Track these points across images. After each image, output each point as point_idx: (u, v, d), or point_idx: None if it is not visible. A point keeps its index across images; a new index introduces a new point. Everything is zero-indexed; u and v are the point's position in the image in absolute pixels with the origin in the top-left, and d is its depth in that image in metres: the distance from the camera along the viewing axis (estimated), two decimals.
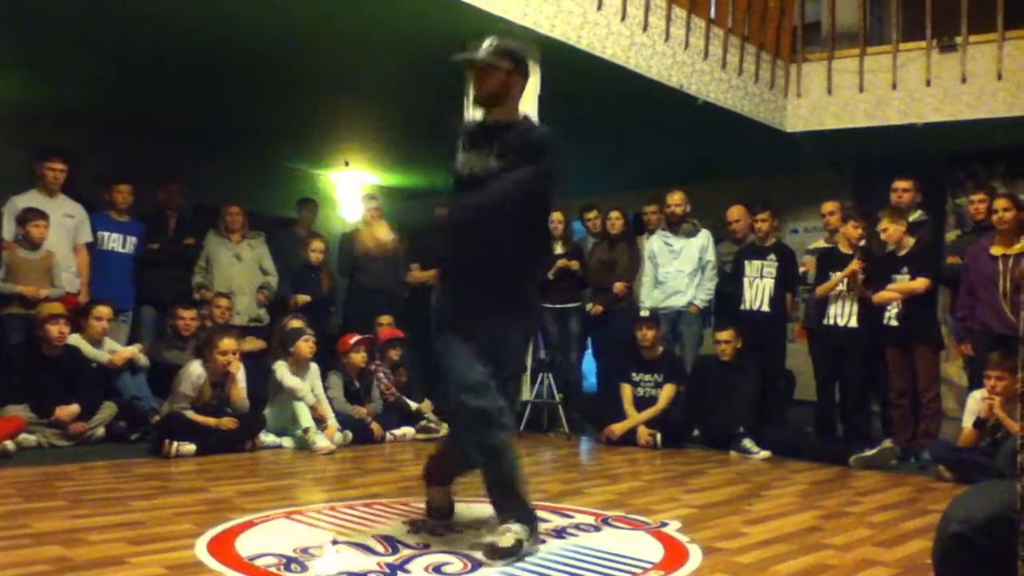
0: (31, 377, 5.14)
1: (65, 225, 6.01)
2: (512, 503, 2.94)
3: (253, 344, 6.22)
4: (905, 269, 5.65)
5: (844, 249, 5.97)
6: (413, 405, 6.20)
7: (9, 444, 4.61)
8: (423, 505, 3.49)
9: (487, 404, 2.86)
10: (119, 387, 5.68)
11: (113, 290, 6.24)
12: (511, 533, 2.84)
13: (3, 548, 2.74)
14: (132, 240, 6.52)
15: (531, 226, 3.10)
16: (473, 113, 3.29)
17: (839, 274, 5.85)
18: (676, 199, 6.84)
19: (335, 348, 6.17)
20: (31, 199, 5.89)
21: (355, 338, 6.06)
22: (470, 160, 3.11)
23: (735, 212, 6.91)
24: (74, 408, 5.13)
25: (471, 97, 3.20)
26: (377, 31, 6.08)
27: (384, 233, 3.15)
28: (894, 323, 5.64)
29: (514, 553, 2.80)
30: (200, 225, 7.12)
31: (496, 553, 2.78)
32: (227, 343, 5.27)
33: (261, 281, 6.92)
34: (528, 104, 6.29)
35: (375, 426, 5.77)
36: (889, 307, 5.66)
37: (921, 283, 5.56)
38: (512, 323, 3.09)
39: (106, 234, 6.39)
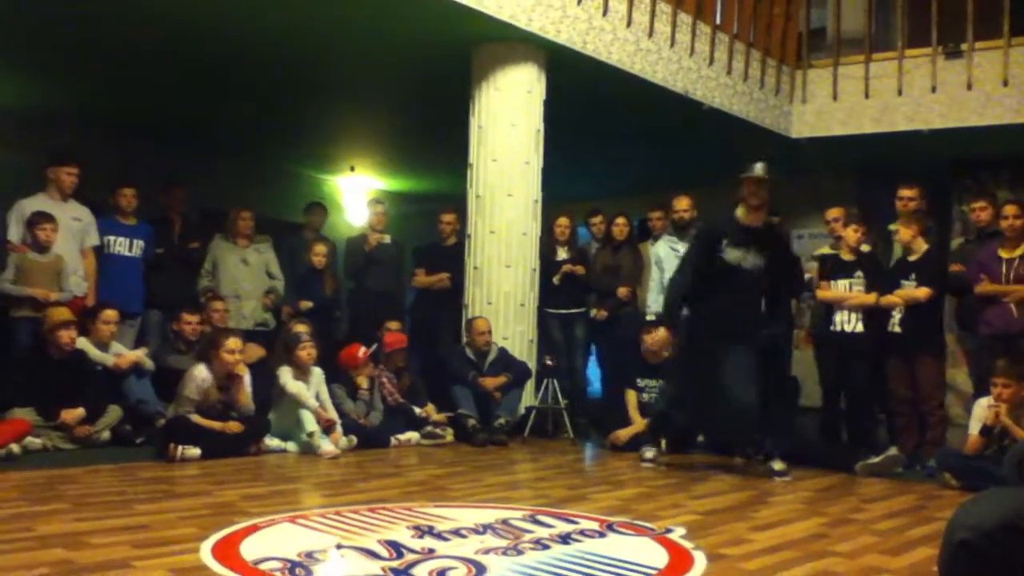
0: (37, 380, 5.14)
1: (72, 229, 6.02)
2: None
3: (255, 353, 6.19)
4: (913, 275, 5.63)
5: (845, 256, 5.95)
6: (417, 410, 6.19)
7: (15, 447, 4.62)
8: (430, 510, 3.48)
9: None
10: (124, 390, 5.68)
11: (120, 294, 6.24)
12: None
13: (7, 551, 2.74)
14: (139, 244, 6.51)
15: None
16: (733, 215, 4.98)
17: (846, 294, 5.82)
18: (683, 204, 6.83)
19: (340, 355, 6.15)
20: (39, 203, 5.91)
21: (361, 350, 6.03)
22: (738, 255, 4.82)
23: None
24: (79, 411, 5.13)
25: (748, 203, 4.90)
26: (385, 37, 6.10)
27: None
28: (897, 330, 5.63)
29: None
30: (206, 229, 7.13)
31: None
32: (232, 342, 5.27)
33: (268, 285, 6.92)
34: (534, 110, 6.33)
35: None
36: (893, 313, 5.65)
37: (923, 292, 5.54)
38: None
39: (113, 238, 6.39)
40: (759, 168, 4.83)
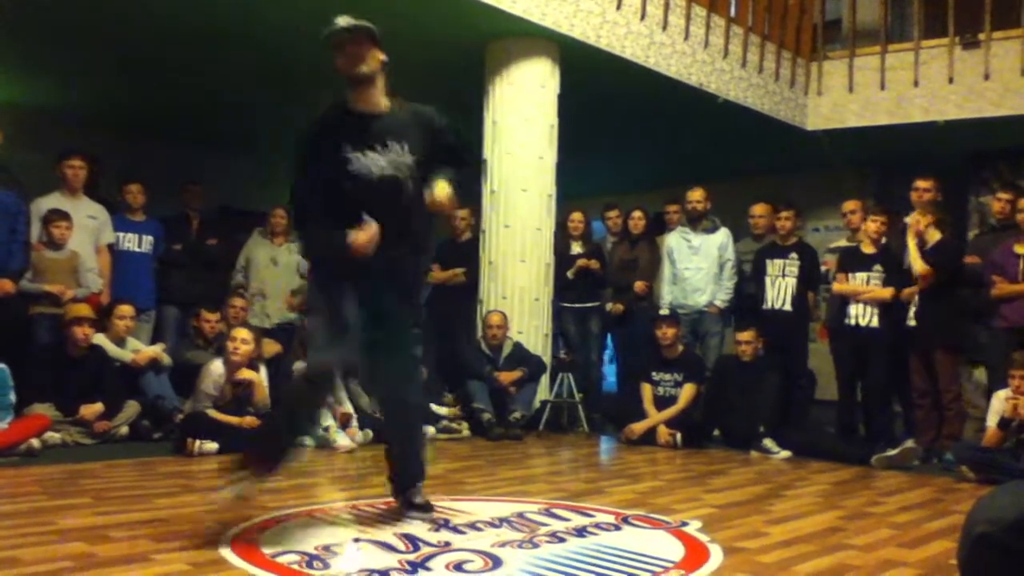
0: (57, 376, 5.19)
1: (88, 226, 6.06)
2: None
3: (272, 349, 6.21)
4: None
5: (866, 249, 5.92)
6: (433, 406, 6.20)
7: (35, 442, 4.66)
8: (446, 503, 3.49)
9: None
10: (143, 386, 5.72)
11: (132, 290, 6.27)
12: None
13: (29, 544, 2.77)
14: (148, 240, 6.53)
15: None
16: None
17: (864, 288, 5.78)
18: (697, 195, 6.80)
19: None
20: (55, 201, 5.95)
21: None
22: (372, 159, 3.05)
23: (759, 208, 6.83)
24: (98, 407, 5.18)
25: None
26: (398, 33, 6.05)
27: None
28: (913, 323, 5.60)
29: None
30: (224, 226, 7.15)
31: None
32: (240, 332, 5.30)
33: (296, 285, 6.92)
34: (548, 105, 6.32)
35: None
36: (909, 307, 5.62)
37: (924, 268, 5.44)
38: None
39: (122, 234, 6.41)
40: (342, 21, 3.04)
